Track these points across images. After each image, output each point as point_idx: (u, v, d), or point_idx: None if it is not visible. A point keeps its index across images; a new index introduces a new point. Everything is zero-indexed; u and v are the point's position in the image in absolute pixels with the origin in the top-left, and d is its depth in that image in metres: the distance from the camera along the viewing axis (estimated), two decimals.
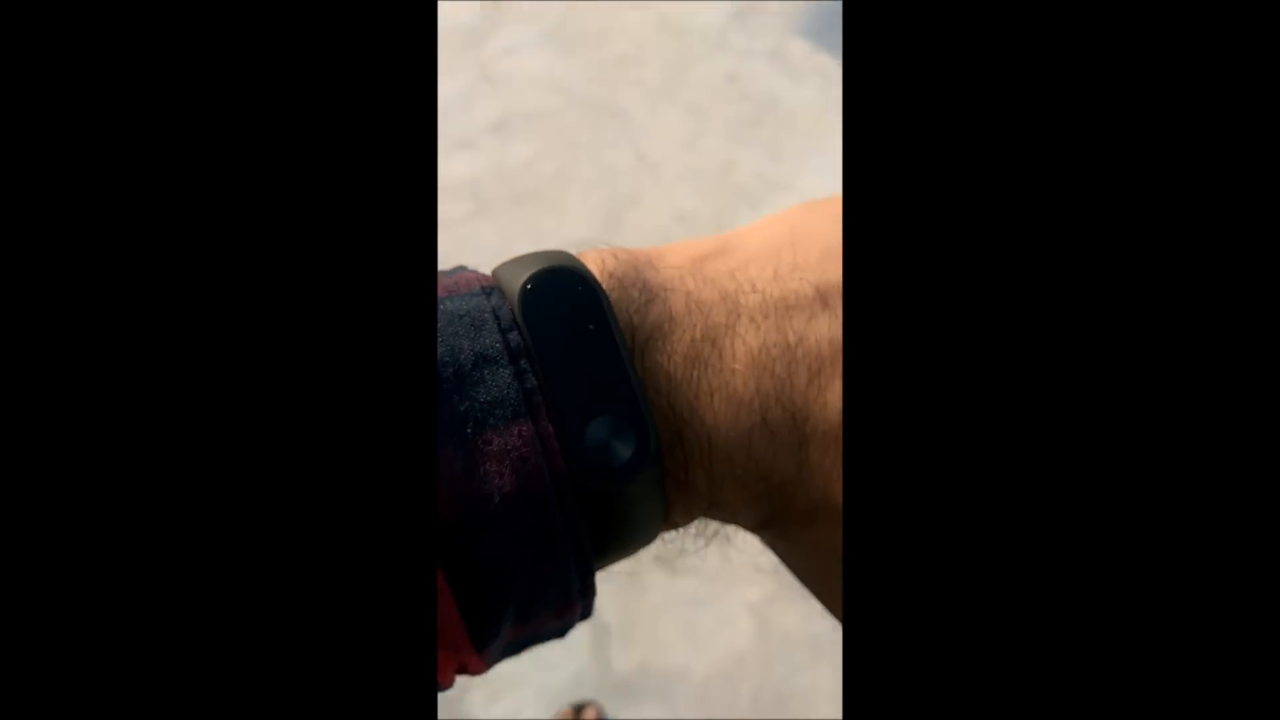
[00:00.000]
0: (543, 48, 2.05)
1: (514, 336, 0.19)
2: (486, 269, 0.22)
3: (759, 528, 0.22)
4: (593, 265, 0.21)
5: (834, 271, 0.21)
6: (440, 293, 0.20)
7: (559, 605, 0.20)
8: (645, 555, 0.22)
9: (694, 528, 0.23)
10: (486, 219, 1.74)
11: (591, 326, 0.19)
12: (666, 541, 0.23)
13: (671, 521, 0.22)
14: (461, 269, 0.21)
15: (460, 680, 0.21)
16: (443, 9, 2.05)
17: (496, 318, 0.19)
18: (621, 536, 0.20)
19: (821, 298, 0.20)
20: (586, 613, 0.21)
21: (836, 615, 0.22)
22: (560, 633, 0.21)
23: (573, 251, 0.21)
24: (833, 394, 0.20)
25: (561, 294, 0.19)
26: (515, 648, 0.21)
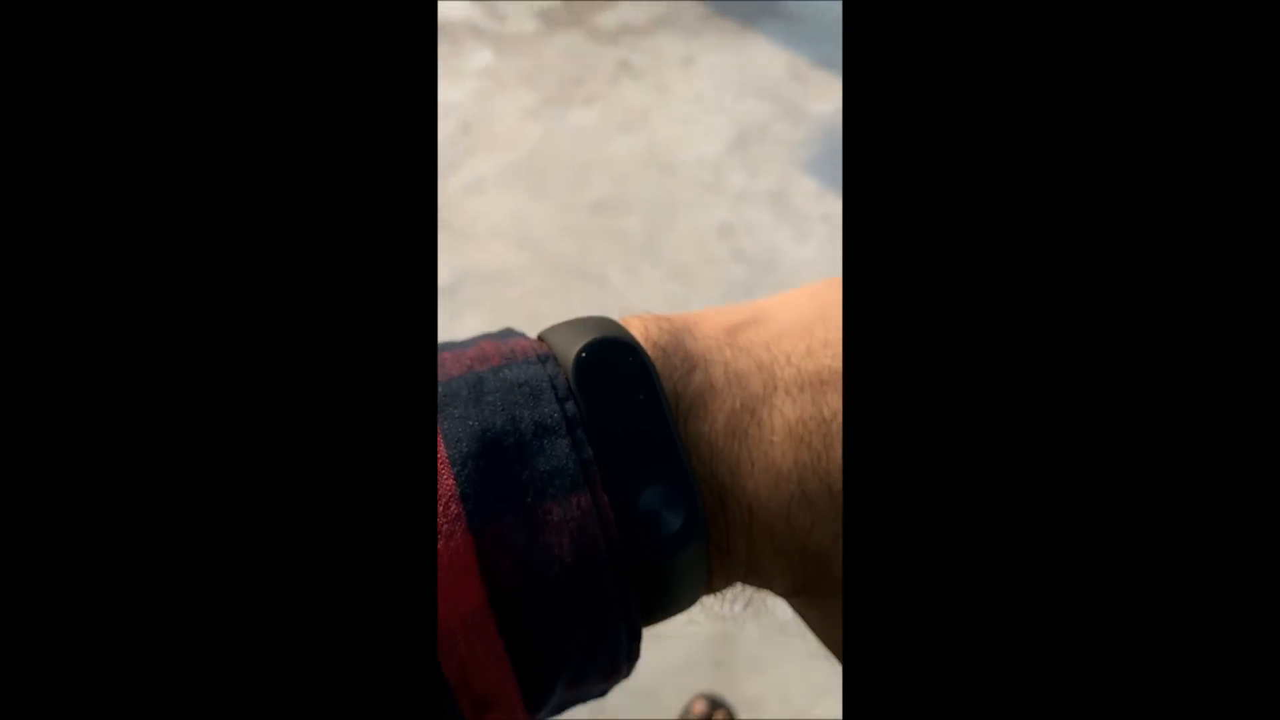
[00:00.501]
0: (512, 186, 1.81)
1: (570, 406, 0.20)
2: None
3: (792, 594, 0.23)
4: (636, 332, 0.21)
5: None
6: (496, 360, 0.20)
7: (608, 669, 0.21)
8: None
9: (731, 592, 0.23)
10: None
11: (642, 397, 0.20)
12: (705, 606, 0.23)
13: (711, 586, 0.22)
14: (509, 331, 0.22)
15: None
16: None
17: (554, 387, 0.20)
18: (667, 602, 0.21)
19: None
20: (629, 674, 0.22)
21: None
22: (603, 693, 0.22)
23: (615, 318, 0.22)
24: None
25: (614, 363, 0.20)
26: (560, 708, 0.21)
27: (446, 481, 0.18)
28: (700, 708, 1.15)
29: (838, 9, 2.23)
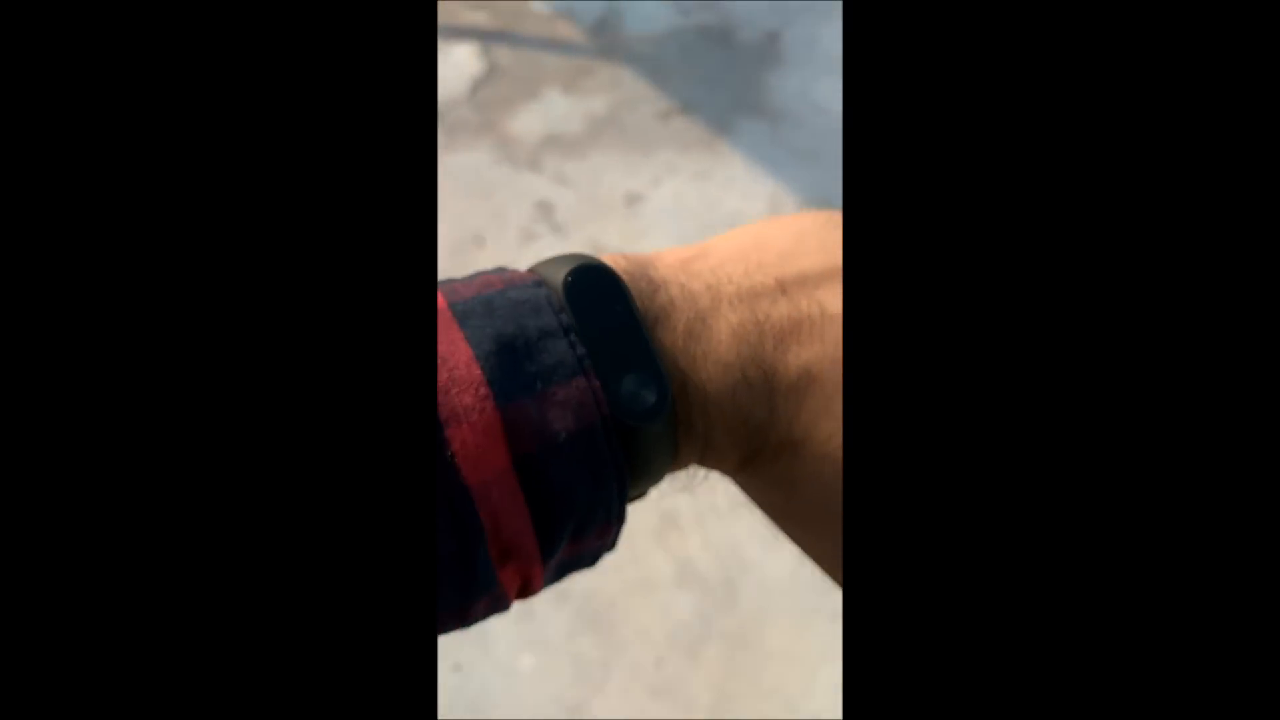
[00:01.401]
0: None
1: (564, 316, 0.24)
2: None
3: (739, 468, 0.27)
4: (609, 263, 0.26)
5: (788, 268, 0.26)
6: (500, 284, 0.25)
7: (602, 525, 0.25)
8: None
9: (688, 472, 0.28)
10: None
11: (618, 308, 0.25)
12: (673, 479, 0.28)
13: (678, 460, 0.26)
14: (503, 269, 0.26)
15: None
16: None
17: (549, 302, 0.24)
18: (648, 465, 0.25)
19: (780, 287, 0.26)
20: (614, 541, 0.26)
21: (792, 537, 0.28)
22: (593, 560, 0.26)
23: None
24: (793, 356, 0.25)
25: (594, 283, 0.25)
26: (561, 569, 0.26)
27: (475, 372, 0.22)
28: None
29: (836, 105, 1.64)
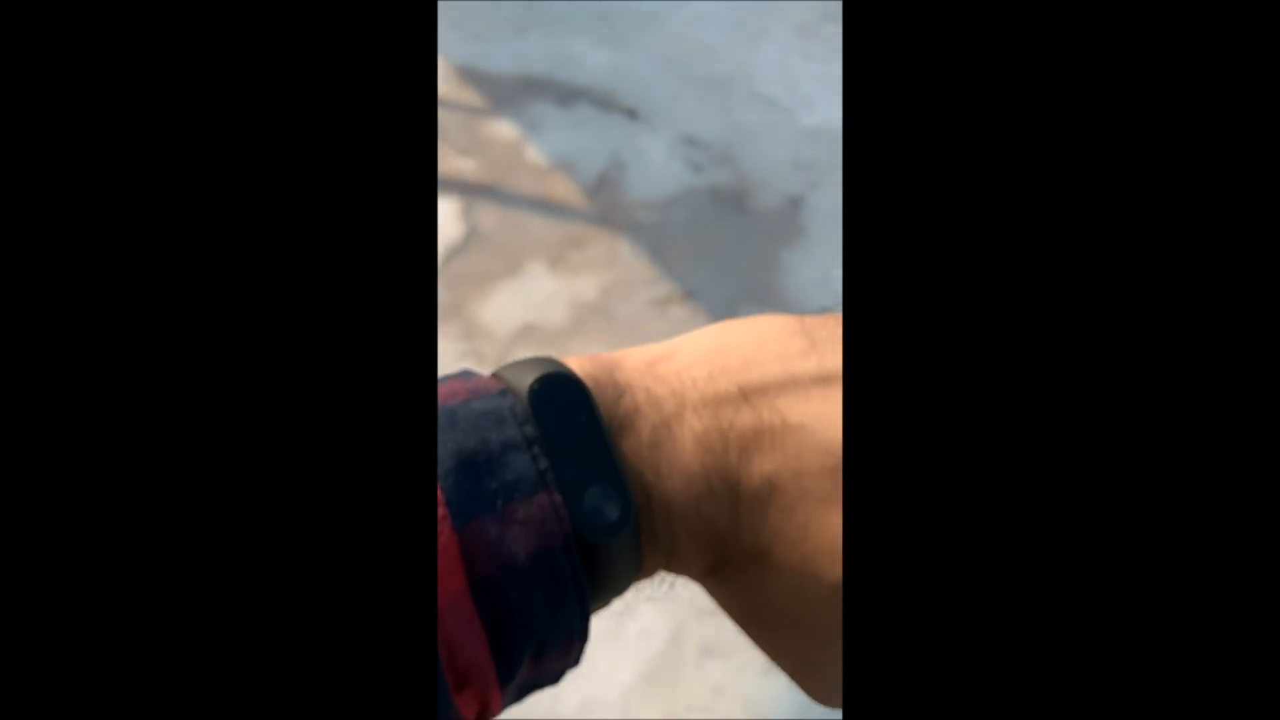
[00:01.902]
0: None
1: (527, 428, 0.24)
2: None
3: (705, 575, 0.27)
4: (575, 368, 0.25)
5: (751, 375, 0.26)
6: (465, 394, 0.24)
7: (564, 645, 0.24)
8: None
9: (656, 579, 0.27)
10: None
11: (583, 418, 0.24)
12: (637, 589, 0.27)
13: (643, 571, 0.26)
14: (468, 372, 0.26)
15: None
16: None
17: (513, 413, 0.24)
18: (609, 581, 0.25)
19: (743, 395, 0.26)
20: (578, 658, 0.25)
21: (760, 645, 0.27)
22: (556, 678, 0.26)
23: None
24: (755, 465, 0.25)
25: (560, 392, 0.24)
26: (523, 691, 0.25)
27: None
28: None
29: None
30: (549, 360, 0.25)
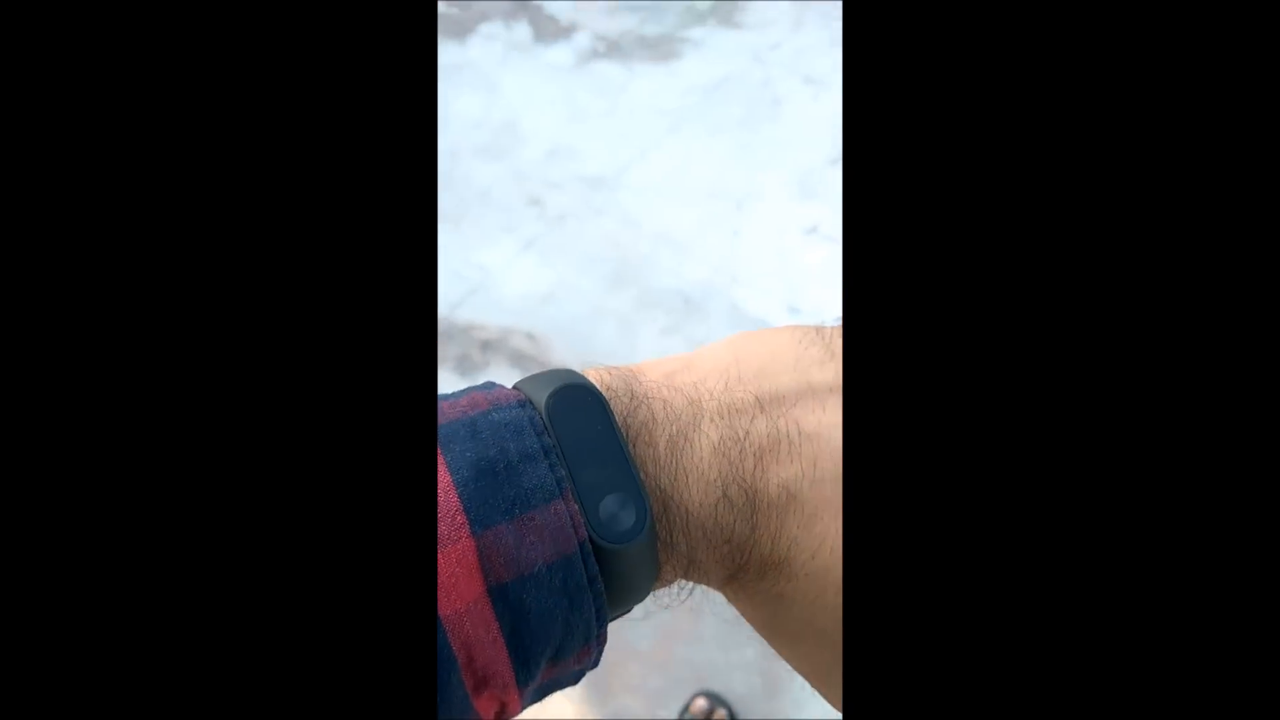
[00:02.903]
0: None
1: (545, 438, 0.24)
2: None
3: (725, 583, 0.27)
4: (594, 379, 0.26)
5: (766, 384, 0.26)
6: (485, 405, 0.25)
7: (581, 649, 0.25)
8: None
9: (675, 587, 0.28)
10: None
11: (599, 427, 0.25)
12: (656, 597, 0.27)
13: (662, 579, 0.26)
14: (491, 384, 0.26)
15: None
16: None
17: (532, 424, 0.24)
18: (627, 588, 0.25)
19: (759, 404, 0.26)
20: (596, 660, 0.26)
21: (782, 654, 0.28)
22: (576, 678, 0.26)
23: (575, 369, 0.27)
24: (772, 474, 0.25)
25: (577, 402, 0.25)
26: (541, 691, 0.25)
27: (452, 499, 0.22)
28: (700, 705, 1.18)
29: None
30: (569, 372, 0.26)
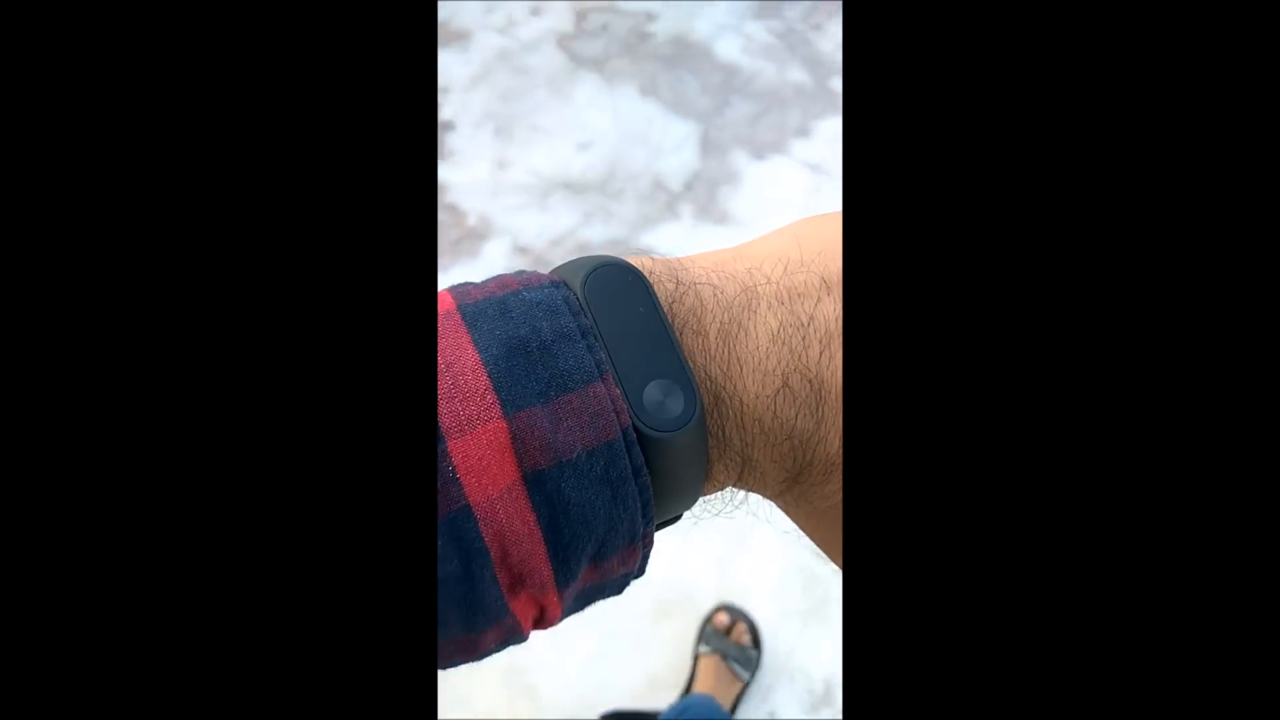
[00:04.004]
0: None
1: (583, 318, 0.22)
2: None
3: (783, 489, 0.25)
4: (636, 264, 0.24)
5: (833, 264, 0.24)
6: (516, 285, 0.22)
7: (626, 548, 0.22)
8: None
9: (727, 493, 0.25)
10: None
11: (641, 309, 0.22)
12: (706, 502, 0.25)
13: (713, 480, 0.24)
14: (523, 271, 0.23)
15: None
16: None
17: (567, 304, 0.22)
18: (676, 484, 0.22)
19: (825, 285, 0.24)
20: (643, 566, 0.23)
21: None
22: (620, 587, 0.24)
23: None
24: (840, 361, 0.23)
25: (617, 282, 0.23)
26: (583, 598, 0.23)
27: (481, 378, 0.20)
28: (723, 619, 1.17)
29: None
30: (608, 256, 0.24)
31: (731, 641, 1.16)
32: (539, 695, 1.11)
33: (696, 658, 1.17)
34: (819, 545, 0.26)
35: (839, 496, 0.24)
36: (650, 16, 1.84)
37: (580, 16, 1.84)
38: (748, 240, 0.26)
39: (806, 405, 0.23)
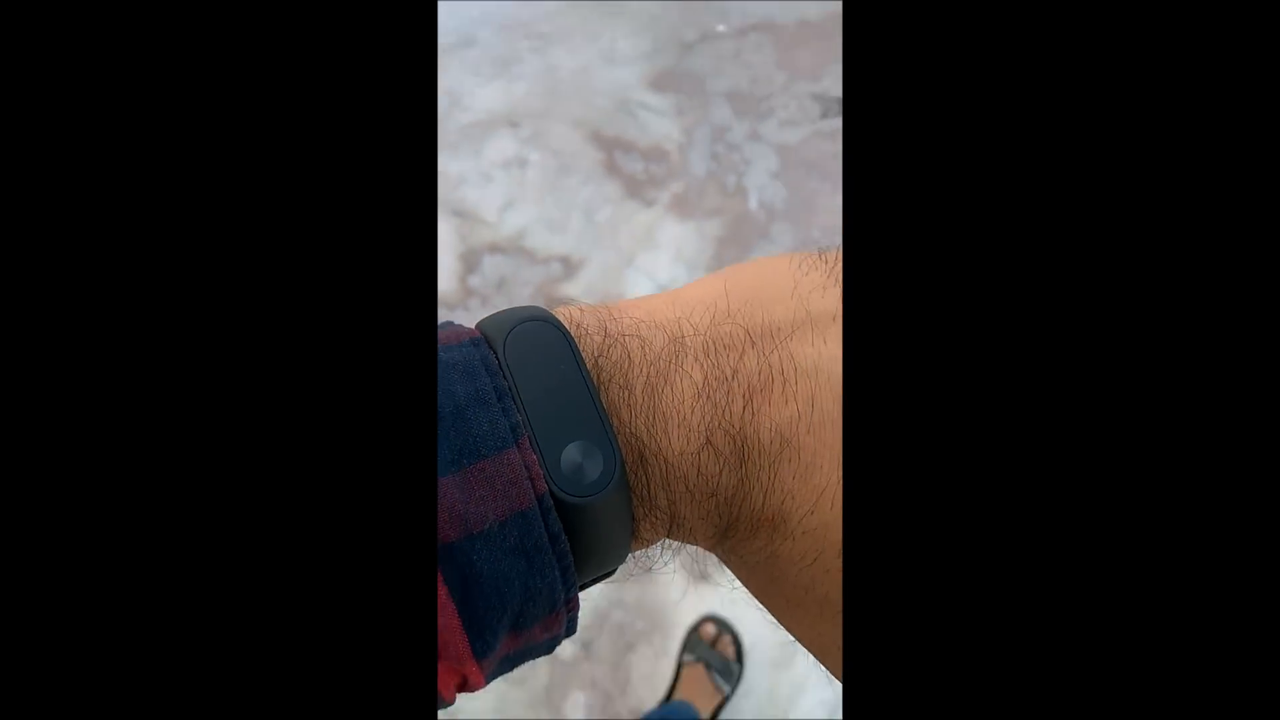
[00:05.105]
0: None
1: (499, 380, 0.21)
2: None
3: (714, 543, 0.24)
4: (562, 318, 0.23)
5: (758, 315, 0.23)
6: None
7: (547, 616, 0.22)
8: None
9: (659, 547, 0.25)
10: None
11: (563, 367, 0.22)
12: (637, 558, 0.25)
13: (641, 539, 0.23)
14: (449, 323, 0.23)
15: None
16: None
17: (485, 365, 0.21)
18: (599, 545, 0.22)
19: (749, 338, 0.23)
20: (571, 628, 0.23)
21: (781, 623, 0.25)
22: (549, 648, 0.23)
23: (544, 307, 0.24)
24: (764, 417, 0.22)
25: (539, 339, 0.22)
26: (509, 663, 0.23)
27: None
28: (709, 629, 1.17)
29: None
30: (534, 309, 0.23)
31: (716, 652, 1.16)
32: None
33: (680, 665, 1.16)
34: (755, 596, 0.25)
35: (767, 552, 0.23)
36: None
37: None
38: (680, 287, 0.26)
39: (729, 463, 0.22)
